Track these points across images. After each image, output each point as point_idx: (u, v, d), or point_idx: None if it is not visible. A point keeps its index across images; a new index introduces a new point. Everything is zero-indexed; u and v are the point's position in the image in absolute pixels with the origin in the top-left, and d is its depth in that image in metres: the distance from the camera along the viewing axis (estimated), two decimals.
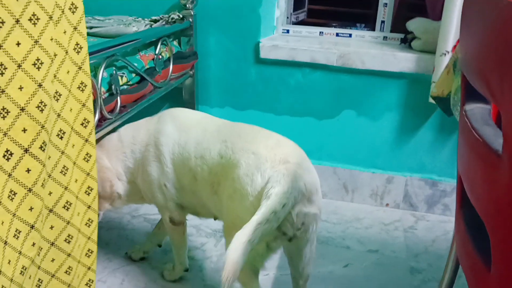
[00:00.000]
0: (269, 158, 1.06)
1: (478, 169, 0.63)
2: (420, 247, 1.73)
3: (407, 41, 1.89)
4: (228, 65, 1.96)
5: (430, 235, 1.81)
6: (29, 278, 0.85)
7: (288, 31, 2.04)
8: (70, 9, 0.85)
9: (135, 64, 1.45)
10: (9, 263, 0.78)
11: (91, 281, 1.08)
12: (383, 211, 1.98)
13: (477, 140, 0.64)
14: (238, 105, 2.01)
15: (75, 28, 0.87)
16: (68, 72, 0.87)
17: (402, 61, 1.77)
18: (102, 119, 1.27)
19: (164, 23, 1.78)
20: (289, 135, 1.97)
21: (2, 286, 0.78)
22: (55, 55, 0.82)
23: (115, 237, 1.71)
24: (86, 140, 0.94)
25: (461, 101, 0.77)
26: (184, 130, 1.28)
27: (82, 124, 0.93)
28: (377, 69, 1.80)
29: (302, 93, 1.94)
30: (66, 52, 0.85)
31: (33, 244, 0.82)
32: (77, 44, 0.88)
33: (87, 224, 1.00)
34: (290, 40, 1.92)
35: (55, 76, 0.83)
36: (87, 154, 0.95)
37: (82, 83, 0.91)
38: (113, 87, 1.31)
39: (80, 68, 0.89)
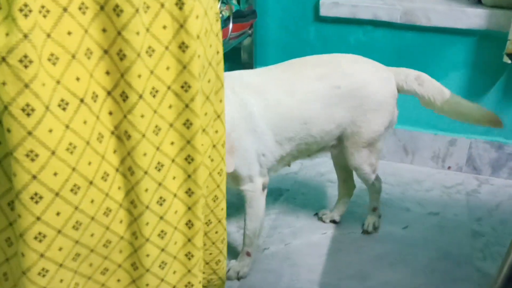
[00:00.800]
0: (379, 67, 1.40)
1: None
2: (483, 211, 1.68)
3: None
4: (287, 24, 1.93)
5: (494, 199, 1.75)
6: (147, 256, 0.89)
7: None
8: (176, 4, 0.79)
9: None
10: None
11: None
12: (444, 174, 1.93)
13: None
14: None
15: (181, 26, 0.80)
16: (164, 27, 0.80)
17: (472, 17, 1.68)
18: None
19: None
20: None
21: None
22: (147, 7, 0.77)
23: None
24: (187, 106, 0.86)
25: None
26: (263, 91, 1.27)
27: (182, 87, 0.86)
28: (444, 26, 1.71)
29: (363, 52, 1.86)
30: (162, 5, 0.78)
31: (147, 223, 0.85)
32: (183, 43, 0.81)
33: (188, 193, 0.95)
34: None
35: (147, 30, 0.78)
36: (187, 120, 0.88)
37: (183, 43, 0.82)
38: None
39: (181, 26, 0.81)
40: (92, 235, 0.79)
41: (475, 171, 1.92)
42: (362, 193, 1.77)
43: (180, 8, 0.79)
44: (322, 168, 1.95)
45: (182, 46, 0.82)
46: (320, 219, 1.62)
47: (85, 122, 0.72)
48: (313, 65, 1.34)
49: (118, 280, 0.89)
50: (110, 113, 0.77)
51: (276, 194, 1.77)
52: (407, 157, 1.99)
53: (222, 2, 1.61)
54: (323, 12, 1.83)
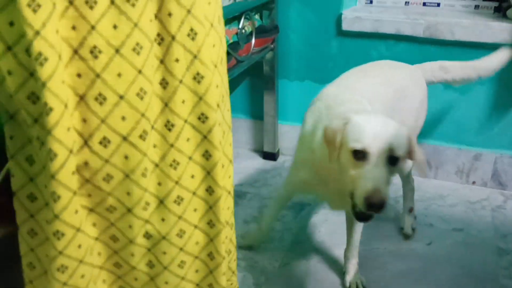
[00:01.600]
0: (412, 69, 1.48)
1: None
2: (509, 228, 1.65)
3: (501, 10, 1.76)
4: (309, 38, 1.94)
5: None
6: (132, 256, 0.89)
7: (371, 2, 1.98)
8: None
9: None
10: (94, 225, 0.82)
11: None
12: (469, 189, 1.90)
13: None
14: (318, 78, 1.99)
15: (188, 11, 0.76)
16: (177, 60, 0.78)
17: (497, 31, 1.66)
18: None
19: None
20: None
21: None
22: (162, 39, 0.76)
23: None
24: (205, 137, 0.85)
25: None
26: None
27: (199, 118, 0.84)
28: (468, 40, 1.70)
29: None
30: (173, 38, 0.76)
31: (130, 226, 0.85)
32: (191, 29, 0.77)
33: (209, 224, 0.92)
34: (374, 11, 1.86)
35: (161, 61, 0.77)
36: (206, 151, 0.86)
37: (198, 74, 0.80)
38: None
39: (195, 57, 0.79)
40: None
41: (501, 186, 1.89)
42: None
43: (193, 39, 0.78)
44: None
45: (197, 77, 0.81)
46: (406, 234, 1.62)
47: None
48: (371, 72, 1.43)
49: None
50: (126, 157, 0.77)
51: (298, 208, 1.77)
52: (430, 171, 1.97)
53: (245, 18, 1.63)
54: (346, 26, 1.83)
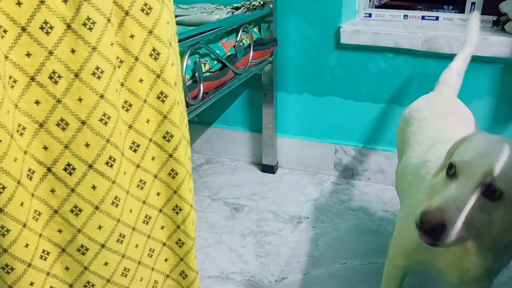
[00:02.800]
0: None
1: None
2: None
3: (499, 24, 1.76)
4: (308, 51, 1.94)
5: None
6: None
7: (370, 15, 1.98)
8: (142, 10, 0.75)
9: (217, 52, 1.48)
10: (67, 269, 0.78)
11: None
12: None
13: None
14: (317, 91, 1.99)
15: (150, 32, 0.77)
16: (141, 80, 0.78)
17: (495, 45, 1.66)
18: (186, 105, 1.31)
19: (245, 10, 1.79)
20: (369, 122, 1.94)
21: None
22: (121, 61, 0.75)
23: (196, 219, 1.77)
24: (170, 155, 0.85)
25: None
26: None
27: (164, 137, 0.84)
28: None
29: (384, 79, 1.88)
30: (136, 59, 0.77)
31: (105, 264, 0.80)
32: (153, 49, 0.78)
33: (178, 244, 0.92)
34: (372, 25, 1.86)
35: (122, 84, 0.77)
36: (172, 170, 0.86)
37: (162, 93, 0.81)
38: (196, 74, 1.35)
39: (158, 76, 0.80)
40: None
41: None
42: (383, 222, 1.75)
43: (155, 59, 0.78)
44: (343, 195, 1.93)
45: (161, 96, 0.81)
46: None
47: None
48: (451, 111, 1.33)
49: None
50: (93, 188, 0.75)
51: (296, 221, 1.75)
52: None
53: (243, 31, 1.63)
54: (344, 39, 1.83)
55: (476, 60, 1.70)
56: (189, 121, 1.44)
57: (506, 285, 1.44)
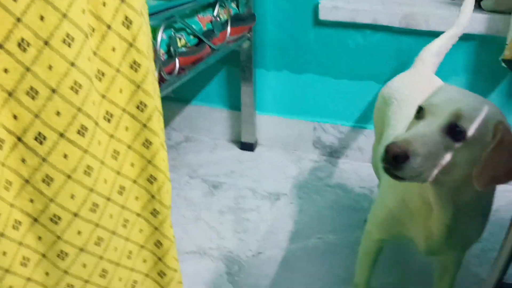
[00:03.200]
0: None
1: None
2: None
3: (476, 1, 1.77)
4: (286, 27, 1.92)
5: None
6: (84, 267, 0.84)
7: None
8: None
9: (194, 26, 1.46)
10: (40, 239, 0.77)
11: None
12: None
13: None
14: (295, 68, 1.98)
15: (122, 0, 0.77)
16: (113, 49, 0.78)
17: (471, 21, 1.66)
18: (161, 80, 1.30)
19: None
20: (348, 99, 1.95)
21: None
22: (93, 30, 0.74)
23: (174, 196, 1.77)
24: (144, 125, 0.85)
25: None
26: None
27: (137, 107, 0.84)
28: (443, 31, 1.68)
29: (362, 56, 1.88)
30: (109, 27, 0.76)
31: (79, 233, 0.80)
32: (126, 18, 0.78)
33: (153, 214, 0.93)
34: (351, 1, 1.85)
35: (94, 53, 0.76)
36: (146, 140, 0.86)
37: (135, 62, 0.81)
38: (171, 49, 1.33)
39: (131, 45, 0.79)
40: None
41: None
42: (360, 197, 1.77)
43: (128, 27, 0.78)
44: (321, 173, 1.94)
45: (134, 65, 0.80)
46: None
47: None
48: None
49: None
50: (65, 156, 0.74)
51: (274, 198, 1.76)
52: None
53: (220, 6, 1.61)
54: (322, 16, 1.82)
55: None
56: (166, 97, 1.43)
57: (477, 257, 1.47)
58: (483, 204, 0.97)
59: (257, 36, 1.95)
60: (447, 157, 0.78)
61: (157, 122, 0.87)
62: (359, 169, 1.96)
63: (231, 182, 1.87)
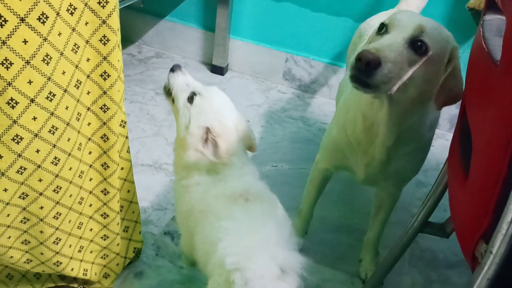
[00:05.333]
0: None
1: (476, 78, 0.62)
2: (432, 163, 1.73)
3: None
4: None
5: (446, 153, 1.80)
6: (37, 152, 0.88)
7: None
8: None
9: None
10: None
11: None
12: None
13: (482, 49, 0.61)
14: None
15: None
16: (86, 23, 0.84)
17: None
18: None
19: None
20: (324, 34, 1.93)
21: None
22: (74, 8, 0.80)
23: (137, 110, 1.78)
24: (104, 22, 0.89)
25: (483, 10, 0.73)
26: None
27: (101, 75, 0.92)
28: None
29: None
30: (85, 4, 0.82)
31: (34, 118, 0.83)
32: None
33: (102, 109, 0.98)
34: None
35: (74, 29, 0.82)
36: (104, 36, 0.90)
37: (104, 36, 0.88)
38: None
39: (104, 22, 0.86)
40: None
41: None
42: (320, 132, 1.81)
43: (103, 7, 0.85)
44: (286, 104, 1.96)
45: (103, 39, 0.89)
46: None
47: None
48: None
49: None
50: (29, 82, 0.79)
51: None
52: None
53: None
54: None
55: None
56: (140, 9, 1.40)
57: (420, 200, 1.55)
58: (421, 134, 1.01)
59: None
60: (409, 70, 0.82)
61: (116, 19, 0.89)
62: (324, 105, 1.99)
63: None
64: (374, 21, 1.36)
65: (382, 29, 0.87)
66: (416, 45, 0.82)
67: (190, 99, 0.96)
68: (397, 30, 0.84)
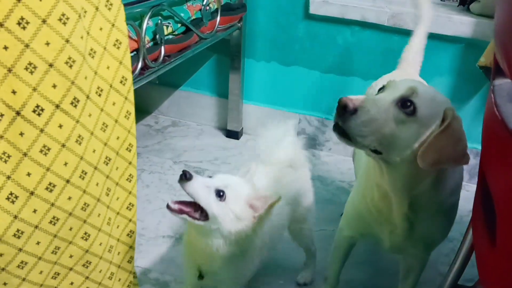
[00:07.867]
0: None
1: (492, 145, 0.62)
2: (456, 217, 1.70)
3: (465, 3, 1.79)
4: (277, 19, 1.94)
5: (468, 205, 1.77)
6: (70, 230, 0.88)
7: None
8: None
9: (182, 15, 1.47)
10: (35, 212, 0.81)
11: (131, 232, 1.11)
12: None
13: (496, 117, 0.62)
14: (284, 60, 2.00)
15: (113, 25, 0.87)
16: (101, 29, 0.86)
17: (458, 24, 1.69)
18: (145, 67, 1.32)
19: None
20: (333, 94, 1.97)
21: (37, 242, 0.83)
22: (85, 11, 0.81)
23: (156, 180, 1.80)
24: (126, 98, 0.94)
25: (492, 75, 0.74)
26: None
27: (121, 81, 0.93)
28: (430, 32, 1.72)
29: (350, 52, 1.90)
30: (97, 9, 0.84)
31: (69, 198, 0.84)
32: (107, 1, 0.87)
33: (128, 179, 1.01)
34: None
35: (88, 33, 0.83)
36: (127, 112, 0.95)
37: (117, 40, 0.90)
38: (157, 36, 1.35)
39: (113, 25, 0.89)
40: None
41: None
42: (338, 191, 1.80)
43: (109, 9, 0.87)
44: None
45: (117, 43, 0.89)
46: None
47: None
48: None
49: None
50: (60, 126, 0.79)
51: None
52: None
53: None
54: (313, 10, 1.84)
55: (439, 38, 1.73)
56: (151, 82, 1.46)
57: (447, 256, 1.51)
58: (441, 200, 1.00)
59: (248, 26, 1.96)
60: (394, 128, 0.83)
61: (132, 92, 0.96)
62: (340, 162, 1.99)
63: (213, 169, 1.90)
64: (379, 84, 1.38)
65: (381, 90, 0.91)
66: (405, 105, 0.83)
67: (221, 196, 0.96)
68: (390, 90, 0.87)
